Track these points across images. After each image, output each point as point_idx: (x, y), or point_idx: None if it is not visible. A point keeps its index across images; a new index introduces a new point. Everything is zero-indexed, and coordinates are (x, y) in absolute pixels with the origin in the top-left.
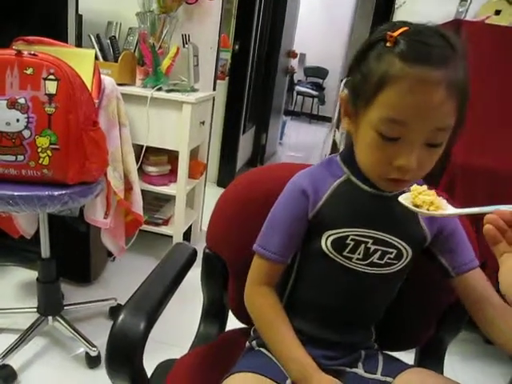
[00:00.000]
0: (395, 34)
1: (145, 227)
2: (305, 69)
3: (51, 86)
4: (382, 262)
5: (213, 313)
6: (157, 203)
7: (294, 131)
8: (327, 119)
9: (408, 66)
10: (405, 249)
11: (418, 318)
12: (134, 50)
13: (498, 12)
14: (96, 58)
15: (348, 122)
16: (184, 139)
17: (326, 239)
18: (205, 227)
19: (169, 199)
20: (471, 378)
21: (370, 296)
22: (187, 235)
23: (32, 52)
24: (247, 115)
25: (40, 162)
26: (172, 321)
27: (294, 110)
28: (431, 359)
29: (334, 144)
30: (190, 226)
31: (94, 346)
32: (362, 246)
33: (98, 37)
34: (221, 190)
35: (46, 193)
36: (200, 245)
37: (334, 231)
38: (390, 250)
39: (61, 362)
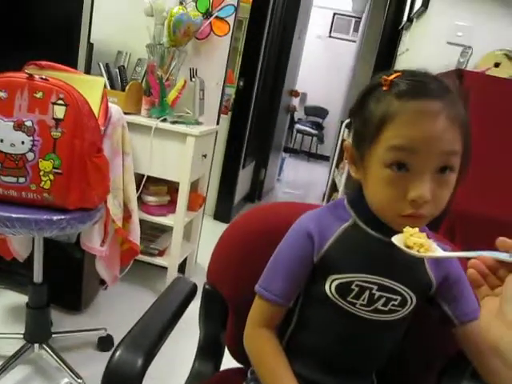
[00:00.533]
0: (390, 77)
1: (139, 257)
2: (305, 108)
3: (59, 111)
4: (386, 309)
5: (208, 351)
6: (153, 233)
7: (292, 168)
8: (325, 158)
9: (406, 101)
10: (409, 296)
11: (421, 367)
12: (142, 81)
13: (497, 65)
14: (104, 86)
15: (354, 169)
16: (186, 171)
17: (331, 284)
18: (200, 260)
19: (165, 230)
20: None
21: (373, 342)
22: (182, 267)
23: (43, 76)
24: (247, 150)
25: (41, 185)
26: (164, 355)
27: (294, 147)
28: None
29: (334, 183)
30: (185, 259)
31: (80, 378)
32: (367, 292)
33: (107, 65)
34: (218, 224)
35: (45, 217)
36: (195, 278)
37: (339, 276)
38: (395, 297)
39: None
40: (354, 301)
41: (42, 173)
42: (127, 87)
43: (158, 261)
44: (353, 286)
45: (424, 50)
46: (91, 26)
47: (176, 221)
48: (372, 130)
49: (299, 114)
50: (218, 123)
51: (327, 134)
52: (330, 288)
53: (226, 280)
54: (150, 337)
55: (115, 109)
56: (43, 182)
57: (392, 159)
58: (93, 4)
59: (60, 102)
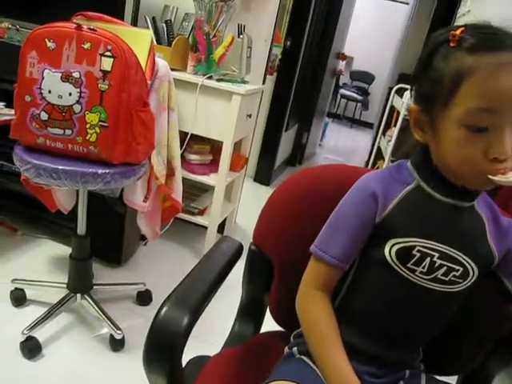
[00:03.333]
0: (457, 32)
1: (180, 215)
2: (351, 72)
3: (107, 63)
4: (447, 279)
5: (250, 312)
6: (194, 192)
7: (334, 134)
8: (369, 125)
9: (481, 56)
10: (471, 268)
11: (471, 343)
12: (188, 36)
13: None
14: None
15: (420, 134)
16: (230, 130)
17: (391, 248)
18: (239, 221)
19: (206, 189)
20: None
21: (427, 313)
22: (221, 228)
23: (91, 27)
24: (291, 113)
25: (87, 138)
26: (204, 315)
27: (337, 112)
28: None
29: (379, 150)
30: (225, 219)
31: (119, 329)
32: (428, 259)
33: (153, 19)
34: (257, 186)
35: (90, 170)
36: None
37: (401, 240)
38: (457, 268)
39: (85, 340)
40: (414, 267)
41: (88, 125)
42: (173, 42)
43: (199, 220)
44: (414, 252)
45: (489, 10)
46: None
47: (218, 180)
48: (445, 90)
49: (344, 78)
50: (264, 83)
51: (372, 101)
52: (389, 252)
53: (273, 242)
54: (196, 294)
55: (162, 63)
56: (89, 135)
57: (472, 121)
58: None
59: (108, 53)
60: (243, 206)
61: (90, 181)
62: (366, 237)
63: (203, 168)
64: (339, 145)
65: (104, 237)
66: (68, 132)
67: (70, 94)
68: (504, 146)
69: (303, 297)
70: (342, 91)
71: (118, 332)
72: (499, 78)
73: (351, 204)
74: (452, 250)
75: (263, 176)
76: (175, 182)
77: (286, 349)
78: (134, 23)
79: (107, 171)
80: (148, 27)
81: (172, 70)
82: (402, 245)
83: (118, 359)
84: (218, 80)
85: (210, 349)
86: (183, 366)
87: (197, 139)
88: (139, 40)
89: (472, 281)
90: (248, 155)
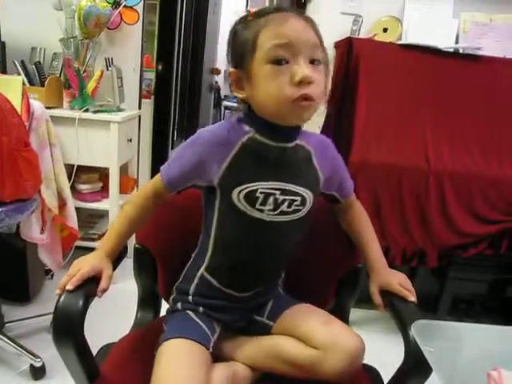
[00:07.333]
0: (252, 10)
1: (80, 243)
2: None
3: None
4: (291, 210)
5: (147, 301)
6: (91, 220)
7: None
8: None
9: (272, 14)
10: (306, 194)
11: (322, 276)
12: (60, 74)
13: (385, 30)
14: (23, 83)
15: (240, 91)
16: (113, 156)
17: (238, 195)
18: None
19: (103, 215)
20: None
21: (283, 243)
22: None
23: None
24: (176, 131)
25: None
26: (112, 316)
27: None
28: None
29: None
30: None
31: (38, 357)
32: (271, 197)
33: (22, 63)
34: None
35: None
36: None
37: (244, 186)
38: (296, 198)
39: (6, 379)
40: (262, 207)
41: None
42: (46, 82)
43: (99, 244)
44: (257, 194)
45: (321, 20)
46: None
47: (110, 204)
48: (249, 42)
49: (225, 90)
50: (139, 108)
51: None
52: (238, 199)
53: (152, 237)
54: (88, 284)
55: (37, 104)
56: None
57: (273, 55)
58: None
59: None
60: None
61: None
62: (196, 181)
63: (95, 195)
64: None
65: (7, 275)
66: None
67: None
68: (303, 70)
69: (128, 202)
70: (225, 103)
71: (37, 360)
72: (285, 22)
73: (191, 155)
74: (288, 184)
75: None
76: (68, 210)
77: (170, 304)
78: (3, 69)
79: (1, 210)
80: (18, 71)
81: (49, 108)
82: (246, 190)
83: None
84: (95, 112)
85: None
86: (96, 353)
87: (85, 169)
88: (10, 86)
89: (310, 204)
90: (137, 176)
